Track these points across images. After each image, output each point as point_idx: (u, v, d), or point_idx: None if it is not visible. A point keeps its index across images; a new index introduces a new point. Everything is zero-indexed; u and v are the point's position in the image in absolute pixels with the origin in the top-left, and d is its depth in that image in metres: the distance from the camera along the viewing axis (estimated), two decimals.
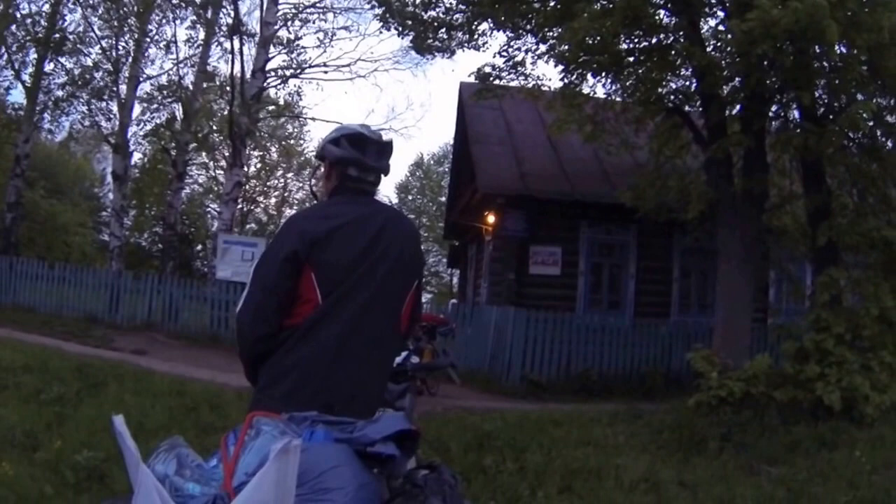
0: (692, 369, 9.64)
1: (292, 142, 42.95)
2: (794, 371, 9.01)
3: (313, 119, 41.44)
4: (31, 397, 7.87)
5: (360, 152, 2.74)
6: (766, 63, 9.21)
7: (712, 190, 10.44)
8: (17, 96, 27.24)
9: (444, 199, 37.05)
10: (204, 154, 34.97)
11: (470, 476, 6.35)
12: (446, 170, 40.58)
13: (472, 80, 14.82)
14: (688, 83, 11.52)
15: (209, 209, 41.12)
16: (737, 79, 10.12)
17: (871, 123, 9.88)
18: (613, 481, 6.51)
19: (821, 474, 6.79)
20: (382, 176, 2.86)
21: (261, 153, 41.38)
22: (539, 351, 13.24)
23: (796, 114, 10.84)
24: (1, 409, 7.19)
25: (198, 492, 1.72)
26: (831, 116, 10.03)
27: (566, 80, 11.99)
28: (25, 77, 22.02)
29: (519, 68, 13.51)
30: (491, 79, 13.37)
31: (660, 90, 11.28)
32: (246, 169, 29.75)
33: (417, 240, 2.91)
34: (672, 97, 11.53)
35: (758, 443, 7.90)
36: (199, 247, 37.71)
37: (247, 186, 42.61)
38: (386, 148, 2.84)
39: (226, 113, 22.67)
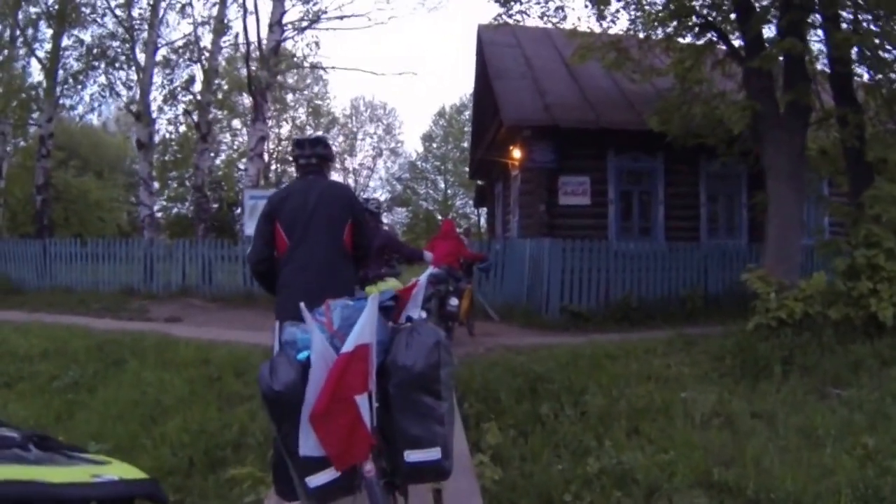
0: (749, 289, 8.85)
1: (318, 102, 42.12)
2: (847, 288, 8.37)
3: (333, 68, 40.04)
4: (45, 386, 7.42)
5: (299, 149, 4.14)
6: None
7: (757, 103, 9.47)
8: (35, 75, 25.94)
9: (466, 144, 36.46)
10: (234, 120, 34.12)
11: (527, 429, 5.58)
12: (468, 117, 40.06)
13: (488, 22, 13.72)
14: None
15: (242, 172, 40.24)
16: None
17: None
18: (683, 419, 5.75)
19: (891, 394, 6.16)
20: (322, 158, 4.16)
21: (289, 115, 40.67)
22: (576, 281, 12.33)
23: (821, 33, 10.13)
24: (12, 404, 6.68)
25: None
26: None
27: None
28: (41, 55, 20.78)
29: None
30: (511, 2, 12.19)
31: (691, 2, 10.24)
32: (269, 124, 28.69)
33: (346, 194, 4.15)
34: (705, 12, 10.48)
35: (820, 364, 7.20)
36: (239, 210, 36.83)
37: (279, 147, 41.97)
38: (314, 141, 4.15)
39: (245, 72, 21.44)
